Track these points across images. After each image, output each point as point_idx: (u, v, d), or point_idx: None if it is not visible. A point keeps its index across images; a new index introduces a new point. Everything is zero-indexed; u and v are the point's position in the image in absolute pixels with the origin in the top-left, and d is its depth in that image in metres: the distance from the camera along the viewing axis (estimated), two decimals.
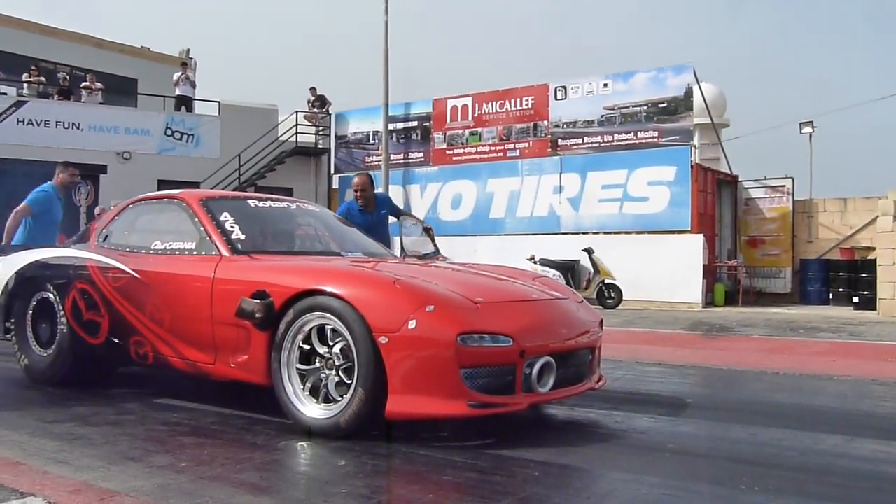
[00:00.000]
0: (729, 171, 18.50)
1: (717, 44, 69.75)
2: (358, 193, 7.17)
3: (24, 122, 18.12)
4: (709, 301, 15.92)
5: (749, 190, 18.24)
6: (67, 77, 20.79)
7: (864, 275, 15.37)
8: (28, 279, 5.52)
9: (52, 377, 5.31)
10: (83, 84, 20.02)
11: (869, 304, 14.83)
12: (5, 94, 18.93)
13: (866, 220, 16.94)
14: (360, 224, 6.45)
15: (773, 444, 3.98)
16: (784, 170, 18.71)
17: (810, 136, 20.47)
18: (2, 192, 17.79)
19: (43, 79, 20.09)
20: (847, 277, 16.15)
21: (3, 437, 3.86)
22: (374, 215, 7.12)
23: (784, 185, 17.82)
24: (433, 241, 6.78)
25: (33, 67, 20.05)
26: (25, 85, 19.59)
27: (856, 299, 15.42)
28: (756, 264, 17.89)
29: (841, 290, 16.24)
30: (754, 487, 3.12)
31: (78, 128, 18.78)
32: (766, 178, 18.23)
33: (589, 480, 3.38)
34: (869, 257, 16.07)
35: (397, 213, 7.49)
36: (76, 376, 5.28)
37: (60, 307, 5.23)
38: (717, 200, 17.50)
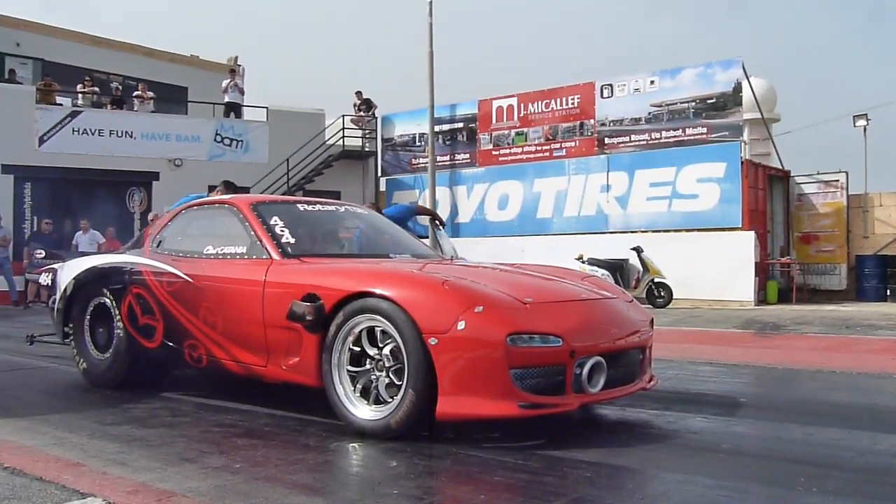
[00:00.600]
0: (780, 167, 18.16)
1: (767, 37, 68.58)
2: None
3: (79, 131, 18.55)
4: (761, 299, 15.66)
5: (801, 185, 17.88)
6: (120, 87, 21.22)
7: None
8: (85, 285, 5.67)
9: (110, 380, 5.44)
10: (135, 93, 20.44)
11: None
12: (61, 104, 19.39)
13: None
14: None
15: (830, 444, 3.90)
16: (838, 164, 18.36)
17: (864, 129, 19.99)
18: (59, 198, 18.48)
19: (96, 89, 20.53)
20: None
21: (64, 439, 3.97)
22: None
23: (838, 180, 17.42)
24: (441, 224, 6.64)
25: (87, 78, 20.50)
26: (80, 95, 20.04)
27: None
28: (810, 261, 17.53)
29: None
30: (811, 488, 3.07)
31: (131, 136, 19.17)
32: (819, 173, 17.85)
33: (641, 481, 3.35)
34: None
35: (414, 213, 7.25)
36: (133, 379, 5.40)
37: (117, 312, 5.36)
38: (768, 196, 17.20)
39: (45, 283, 6.16)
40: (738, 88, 15.92)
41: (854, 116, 20.16)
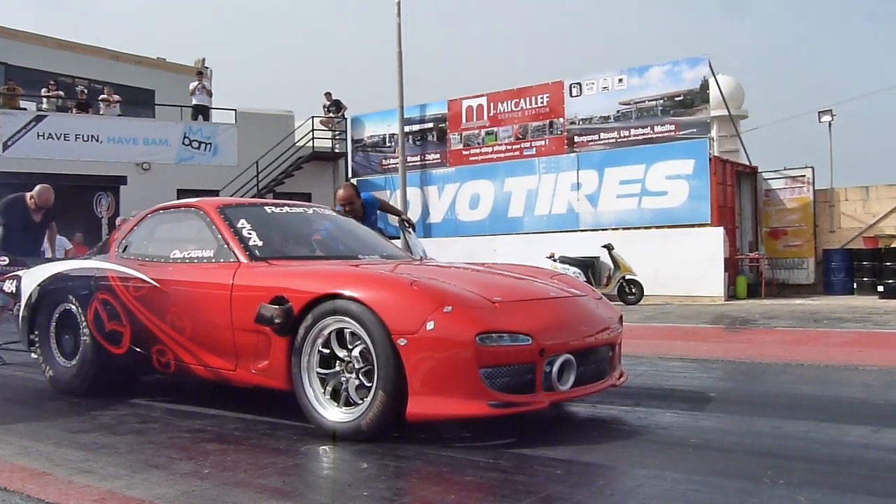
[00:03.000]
0: (748, 163, 18.37)
1: (733, 35, 69.26)
2: (347, 208, 6.78)
3: (44, 136, 18.33)
4: (731, 294, 15.81)
5: (769, 181, 18.09)
6: (85, 90, 21.01)
7: (888, 263, 15.25)
8: (50, 291, 5.59)
9: (77, 388, 5.36)
10: (101, 97, 20.22)
11: (894, 292, 14.67)
12: (25, 109, 19.15)
13: (889, 207, 16.79)
14: None
15: (798, 436, 3.94)
16: (804, 160, 18.59)
17: (829, 124, 20.24)
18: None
19: (61, 93, 20.31)
20: (871, 266, 15.99)
21: (29, 448, 3.90)
22: (364, 223, 6.56)
23: (804, 175, 17.65)
24: (412, 227, 6.69)
25: (51, 82, 20.26)
26: (44, 99, 19.81)
27: (881, 288, 15.28)
28: (778, 256, 17.74)
29: (865, 279, 16.09)
30: (779, 481, 3.09)
31: (97, 140, 18.98)
32: (785, 169, 18.07)
33: (612, 477, 3.36)
34: (893, 245, 15.90)
35: (381, 208, 7.30)
36: (100, 386, 5.32)
37: (83, 318, 5.28)
38: (736, 193, 17.38)
39: (10, 291, 6.05)
40: (705, 86, 16.08)
41: (819, 112, 20.40)
